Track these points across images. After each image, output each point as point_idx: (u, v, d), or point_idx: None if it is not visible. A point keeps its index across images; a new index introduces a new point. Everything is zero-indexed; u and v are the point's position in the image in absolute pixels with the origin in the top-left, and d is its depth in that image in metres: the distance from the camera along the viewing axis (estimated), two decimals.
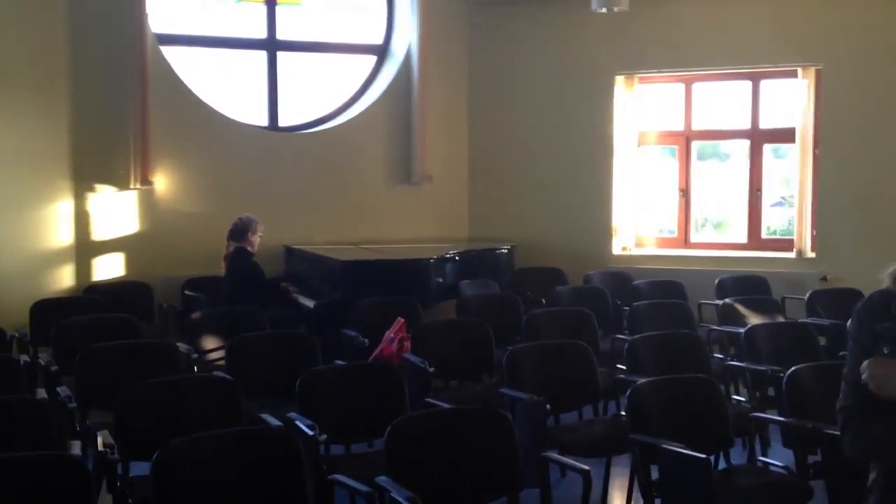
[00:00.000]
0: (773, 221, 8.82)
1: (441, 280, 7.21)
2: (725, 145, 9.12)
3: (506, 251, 8.00)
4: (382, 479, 3.41)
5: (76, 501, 3.04)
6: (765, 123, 8.36)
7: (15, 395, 4.24)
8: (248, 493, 3.28)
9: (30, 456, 3.15)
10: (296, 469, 3.37)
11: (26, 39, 6.98)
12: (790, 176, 8.36)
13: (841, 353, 5.58)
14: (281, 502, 3.33)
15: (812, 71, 7.97)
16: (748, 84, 8.38)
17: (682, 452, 3.74)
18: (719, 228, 9.27)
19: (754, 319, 6.45)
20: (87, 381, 4.74)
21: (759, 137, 8.39)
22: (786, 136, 8.20)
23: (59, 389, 4.71)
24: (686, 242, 8.60)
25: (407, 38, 8.51)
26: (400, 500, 3.23)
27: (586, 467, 3.63)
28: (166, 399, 4.13)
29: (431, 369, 5.29)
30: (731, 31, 8.09)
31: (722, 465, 4.35)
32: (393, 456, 3.50)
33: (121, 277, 7.51)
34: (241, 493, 3.27)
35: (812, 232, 8.02)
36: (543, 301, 7.28)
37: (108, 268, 7.49)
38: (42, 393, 4.73)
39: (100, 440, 3.79)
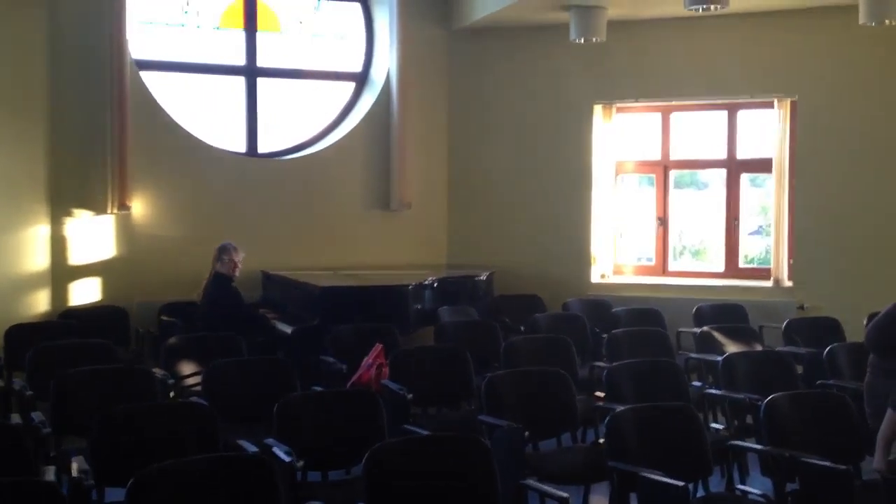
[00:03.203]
0: (751, 250, 8.89)
1: (420, 306, 7.20)
2: (703, 174, 9.20)
3: (484, 278, 8.01)
4: None
5: None
6: (741, 153, 8.45)
7: None
8: None
9: (4, 481, 3.10)
10: (272, 496, 3.35)
11: (4, 63, 6.94)
12: (767, 205, 8.44)
13: (818, 382, 5.66)
14: None
15: (787, 102, 8.07)
16: (724, 114, 8.48)
17: (660, 480, 3.74)
18: (697, 257, 9.33)
19: (732, 347, 6.48)
20: (62, 407, 4.70)
21: (735, 167, 8.47)
22: (762, 165, 8.30)
23: (33, 415, 4.65)
24: (664, 270, 8.64)
25: (386, 65, 8.55)
26: None
27: (565, 494, 3.62)
28: (142, 425, 4.10)
29: (410, 396, 5.27)
30: (707, 63, 8.20)
31: (700, 493, 4.35)
32: (370, 483, 3.48)
33: (97, 302, 7.45)
34: None
35: (789, 261, 8.09)
36: (522, 328, 7.28)
37: (85, 292, 7.43)
38: (16, 418, 4.66)
39: (74, 466, 3.74)
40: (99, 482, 3.80)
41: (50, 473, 3.72)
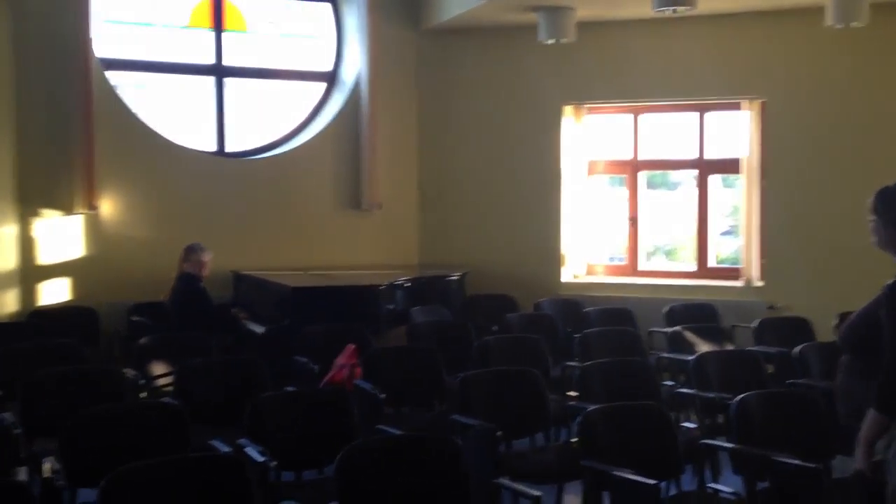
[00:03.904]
0: (723, 250, 8.97)
1: (392, 307, 7.19)
2: (674, 175, 9.27)
3: (457, 278, 8.02)
4: None
5: None
6: (711, 154, 8.52)
7: None
8: None
9: None
10: (246, 496, 3.33)
11: None
12: (738, 205, 8.51)
13: (788, 381, 5.72)
14: None
15: (757, 104, 8.15)
16: (695, 115, 8.54)
17: (631, 479, 3.77)
18: (669, 257, 9.40)
19: (703, 347, 6.53)
20: (32, 407, 4.64)
21: (705, 168, 8.55)
22: (732, 166, 8.37)
23: (3, 416, 4.59)
24: (635, 270, 8.70)
25: (356, 65, 8.53)
26: None
27: (538, 493, 3.63)
28: (113, 425, 4.07)
29: (382, 396, 5.26)
30: (676, 64, 8.26)
31: (672, 491, 4.38)
32: (343, 483, 3.47)
33: (66, 302, 7.37)
34: None
35: (760, 261, 8.17)
36: (495, 328, 7.29)
37: (54, 293, 7.35)
38: None
39: (46, 467, 3.70)
40: (70, 483, 3.76)
41: (21, 474, 3.67)
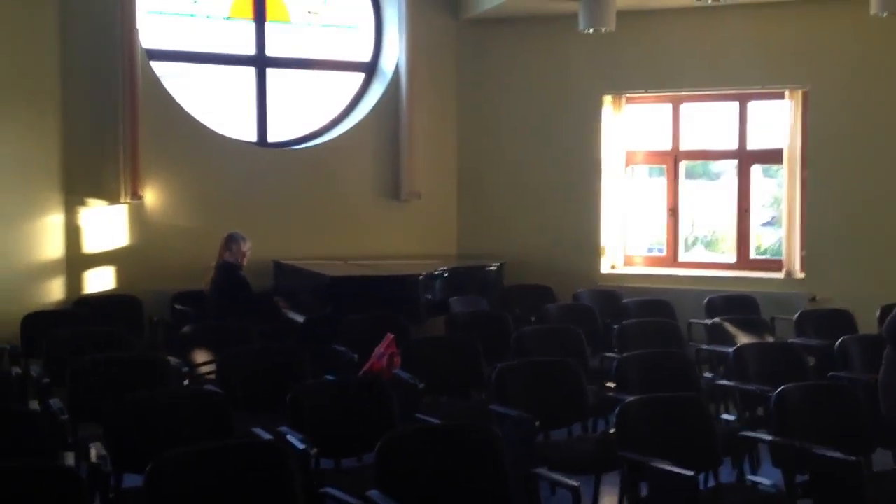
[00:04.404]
0: (763, 241, 8.89)
1: (430, 296, 7.22)
2: (714, 165, 9.19)
3: (495, 268, 8.03)
4: (373, 493, 3.42)
5: None
6: (752, 144, 8.44)
7: (7, 406, 4.24)
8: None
9: (25, 466, 3.15)
10: (287, 482, 3.39)
11: (17, 55, 6.97)
12: (779, 196, 8.43)
13: (830, 374, 5.67)
14: None
15: (799, 93, 8.06)
16: (735, 105, 8.46)
17: (669, 470, 3.77)
18: (709, 248, 9.33)
19: (743, 339, 6.49)
20: (79, 394, 4.74)
21: (746, 158, 8.46)
22: (774, 156, 8.28)
23: (51, 401, 4.70)
24: (675, 261, 8.65)
25: (395, 55, 8.56)
26: None
27: (575, 483, 3.65)
28: (157, 412, 4.14)
29: (421, 385, 5.30)
30: (717, 53, 8.18)
31: (711, 483, 4.37)
32: (383, 470, 3.51)
33: (111, 291, 7.49)
34: (230, 502, 3.28)
35: (801, 252, 8.08)
36: (532, 318, 7.30)
37: (98, 281, 7.47)
38: (34, 405, 4.71)
39: (93, 452, 3.79)
40: (116, 468, 3.84)
41: (69, 459, 3.76)
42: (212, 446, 3.50)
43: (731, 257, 8.60)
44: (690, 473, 3.65)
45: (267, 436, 4.15)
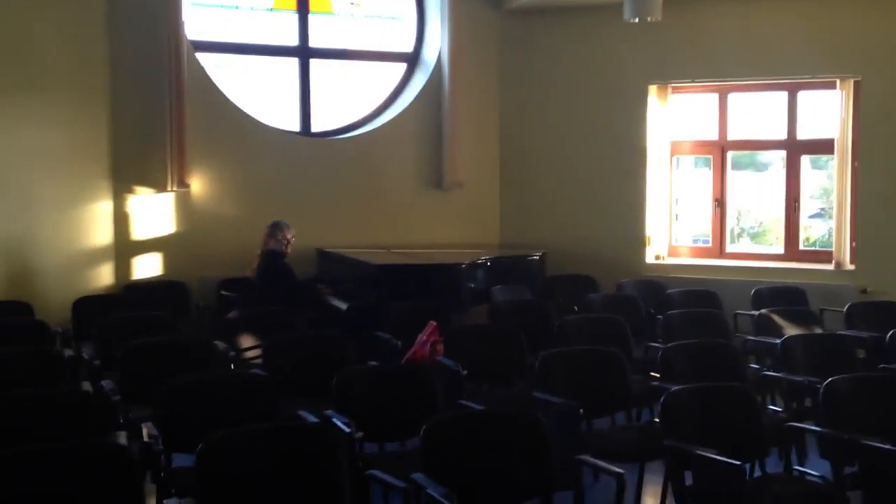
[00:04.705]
0: (811, 233, 8.76)
1: (473, 285, 7.24)
2: (762, 155, 9.07)
3: (537, 258, 8.01)
4: (418, 476, 3.44)
5: (125, 489, 3.11)
6: (802, 134, 8.31)
7: (62, 386, 4.33)
8: (287, 485, 3.35)
9: (82, 444, 3.23)
10: (334, 463, 3.43)
11: (67, 45, 7.09)
12: (829, 187, 8.30)
13: (881, 366, 5.58)
14: (319, 495, 3.39)
15: (850, 82, 7.92)
16: (784, 95, 8.34)
17: (716, 459, 3.73)
18: (755, 239, 9.22)
19: (791, 330, 6.39)
20: (130, 376, 4.83)
21: (796, 148, 8.34)
22: (824, 147, 8.16)
23: (103, 383, 4.79)
24: (721, 252, 8.56)
25: (438, 45, 8.57)
26: (436, 496, 3.26)
27: (620, 470, 3.63)
28: (207, 394, 4.22)
29: (464, 372, 5.31)
30: (766, 42, 8.06)
31: (757, 473, 4.33)
32: (428, 454, 3.53)
33: (158, 277, 7.61)
34: (282, 484, 3.34)
35: (851, 244, 7.95)
36: (575, 308, 7.28)
37: (146, 267, 7.59)
38: (86, 386, 4.80)
39: (145, 431, 3.86)
40: (167, 447, 3.91)
41: (121, 438, 3.83)
42: (261, 427, 3.56)
43: (779, 248, 8.50)
44: (737, 463, 3.62)
45: (313, 419, 4.18)
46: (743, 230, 9.15)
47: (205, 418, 4.01)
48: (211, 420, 3.89)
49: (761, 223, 9.22)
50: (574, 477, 3.83)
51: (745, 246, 9.01)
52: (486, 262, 7.40)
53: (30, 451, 3.11)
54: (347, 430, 3.97)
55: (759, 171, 9.21)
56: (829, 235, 8.27)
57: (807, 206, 8.51)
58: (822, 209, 8.66)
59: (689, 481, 3.97)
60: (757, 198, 9.04)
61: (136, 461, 3.24)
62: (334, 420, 4.11)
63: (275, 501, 3.35)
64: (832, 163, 8.09)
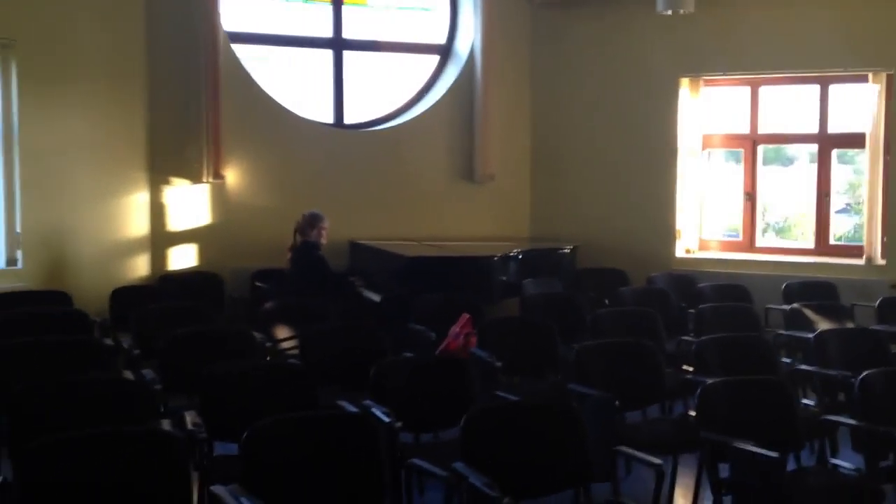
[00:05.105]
0: (840, 228, 8.73)
1: (504, 278, 7.28)
2: (792, 149, 9.04)
3: (568, 251, 8.05)
4: (458, 465, 3.49)
5: (173, 475, 3.18)
6: (834, 128, 8.28)
7: (105, 375, 4.42)
8: (330, 473, 3.41)
9: (130, 431, 3.30)
10: (375, 452, 3.49)
11: (105, 38, 7.16)
12: (855, 181, 8.26)
13: None
14: (361, 482, 3.46)
15: (883, 76, 7.88)
16: (816, 88, 8.31)
17: (754, 451, 3.77)
18: (784, 234, 9.20)
19: (823, 325, 6.40)
20: (171, 365, 4.91)
21: (827, 142, 8.31)
22: (855, 141, 8.12)
23: (143, 372, 4.88)
24: (751, 247, 8.54)
25: (470, 38, 8.60)
26: (477, 485, 3.31)
27: (659, 461, 3.67)
28: (247, 383, 4.28)
29: (499, 364, 5.36)
30: (798, 35, 8.04)
31: (791, 466, 4.36)
32: (469, 443, 3.59)
33: (193, 268, 7.69)
34: (324, 471, 3.40)
35: (882, 239, 7.92)
36: (606, 301, 7.30)
37: (181, 258, 7.67)
38: (128, 375, 4.89)
39: (188, 419, 3.94)
40: (210, 435, 3.98)
41: (165, 427, 3.91)
42: (306, 415, 3.63)
43: (809, 243, 8.47)
44: (775, 455, 3.65)
45: (352, 408, 4.25)
46: (769, 225, 9.12)
47: (246, 407, 4.08)
48: (252, 409, 3.96)
49: (786, 218, 9.19)
50: (610, 468, 3.88)
51: (774, 240, 8.98)
52: (517, 255, 7.44)
53: (80, 437, 3.19)
54: (387, 419, 4.03)
55: (786, 165, 9.18)
56: (855, 231, 8.22)
57: (835, 200, 8.47)
58: (848, 204, 8.62)
59: (723, 474, 4.01)
60: (786, 192, 9.00)
61: (184, 447, 3.31)
62: (373, 410, 4.16)
63: (318, 488, 3.41)
64: (859, 157, 8.04)
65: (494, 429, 3.69)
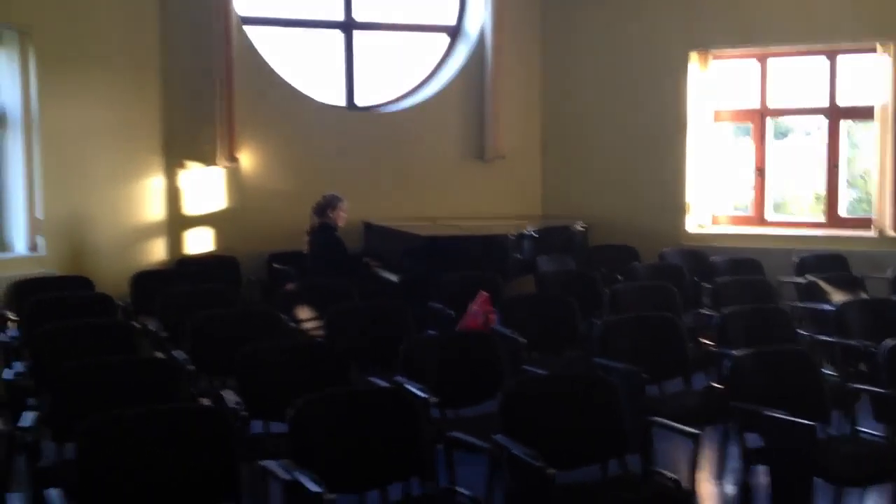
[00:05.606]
0: (849, 199, 8.78)
1: (519, 255, 7.33)
2: (801, 122, 9.07)
3: (581, 228, 8.10)
4: (499, 437, 3.55)
5: (221, 450, 3.24)
6: (842, 100, 8.32)
7: (140, 357, 4.47)
8: (373, 447, 3.50)
9: (182, 407, 3.37)
10: (415, 426, 3.57)
11: (119, 22, 7.17)
12: (852, 156, 8.28)
13: None
14: (403, 455, 3.53)
15: (891, 47, 7.89)
16: (824, 60, 8.34)
17: (786, 419, 3.83)
18: (782, 209, 9.24)
19: (837, 297, 6.46)
20: (201, 346, 4.97)
21: (836, 114, 8.35)
22: (864, 113, 8.16)
23: (174, 353, 4.93)
24: (761, 220, 8.60)
25: (480, 17, 8.62)
26: (521, 456, 3.37)
27: (696, 431, 3.73)
28: (280, 362, 4.34)
29: (523, 340, 5.42)
30: (806, 7, 8.07)
31: (820, 434, 4.41)
32: (508, 416, 3.64)
33: (210, 251, 7.74)
34: (368, 443, 3.49)
35: (893, 210, 7.97)
36: (619, 277, 7.36)
37: (197, 241, 7.72)
38: (159, 356, 4.93)
39: (228, 398, 3.99)
40: (251, 414, 4.04)
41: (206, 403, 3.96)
42: (346, 391, 3.71)
43: (819, 216, 8.53)
44: (809, 422, 3.71)
45: (384, 385, 4.30)
46: (782, 197, 9.16)
47: (282, 385, 4.15)
48: (288, 387, 4.04)
49: (799, 190, 9.23)
50: (644, 439, 3.94)
51: (784, 213, 9.03)
52: (532, 233, 7.49)
53: (135, 414, 3.25)
54: (422, 395, 4.08)
55: (796, 137, 9.20)
56: (859, 203, 8.26)
57: (844, 172, 8.51)
58: (860, 175, 8.67)
59: (751, 444, 4.08)
60: (795, 164, 9.04)
61: (231, 423, 3.37)
62: (407, 386, 4.21)
63: (364, 462, 3.48)
64: (858, 132, 8.06)
65: (533, 401, 3.74)
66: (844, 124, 8.39)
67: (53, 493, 3.06)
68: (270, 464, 3.24)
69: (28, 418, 3.81)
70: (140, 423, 3.21)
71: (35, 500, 3.35)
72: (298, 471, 3.16)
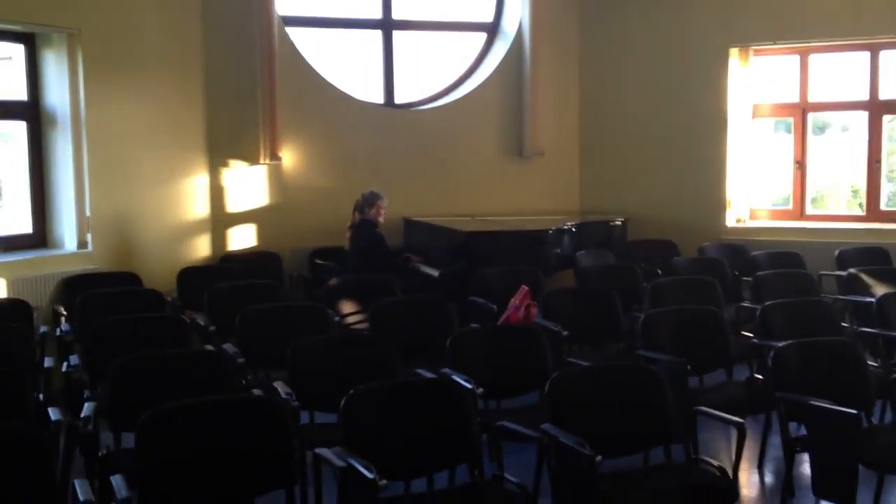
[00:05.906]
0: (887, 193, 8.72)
1: (558, 250, 7.38)
2: (842, 117, 9.02)
3: (620, 223, 8.14)
4: (547, 426, 3.61)
5: (278, 439, 3.33)
6: (884, 94, 8.26)
7: (193, 350, 4.59)
8: (423, 435, 3.58)
9: (241, 398, 3.47)
10: (465, 416, 3.63)
11: (163, 24, 7.29)
12: (891, 149, 8.23)
13: None
14: (452, 443, 3.61)
15: None
16: (866, 55, 8.29)
17: (831, 409, 3.85)
18: (819, 203, 9.18)
19: (880, 289, 6.43)
20: (251, 339, 5.08)
21: (877, 108, 8.30)
22: None
23: (224, 346, 5.04)
24: (802, 214, 8.57)
25: (518, 14, 8.67)
26: (570, 444, 3.43)
27: (740, 420, 3.77)
28: (329, 354, 4.44)
29: (566, 333, 5.47)
30: (847, 2, 8.02)
31: (864, 424, 4.43)
32: (555, 405, 3.70)
33: (253, 248, 7.87)
34: (417, 432, 3.57)
35: None
36: (659, 272, 7.38)
37: (241, 238, 7.85)
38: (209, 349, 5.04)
39: (280, 389, 4.09)
40: (301, 404, 4.14)
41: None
42: (396, 383, 3.79)
43: (856, 210, 8.48)
44: (854, 412, 3.73)
45: (432, 376, 4.38)
46: (823, 192, 9.11)
47: (329, 376, 4.24)
48: (335, 378, 4.13)
49: (837, 184, 9.18)
50: (689, 428, 3.98)
51: (825, 207, 8.99)
52: (571, 228, 7.54)
53: (192, 405, 3.35)
54: (469, 386, 4.15)
55: (837, 132, 9.15)
56: (889, 198, 8.20)
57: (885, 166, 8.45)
58: (892, 171, 8.61)
59: (793, 434, 4.11)
60: (836, 159, 9.00)
61: (287, 412, 3.46)
62: (454, 377, 4.29)
63: (413, 451, 3.56)
64: (891, 125, 8.00)
65: (578, 391, 3.80)
66: (886, 119, 8.34)
67: (117, 480, 3.17)
68: (325, 451, 3.32)
69: (87, 409, 3.93)
70: (200, 413, 3.31)
71: (100, 486, 3.46)
72: (352, 458, 3.24)
